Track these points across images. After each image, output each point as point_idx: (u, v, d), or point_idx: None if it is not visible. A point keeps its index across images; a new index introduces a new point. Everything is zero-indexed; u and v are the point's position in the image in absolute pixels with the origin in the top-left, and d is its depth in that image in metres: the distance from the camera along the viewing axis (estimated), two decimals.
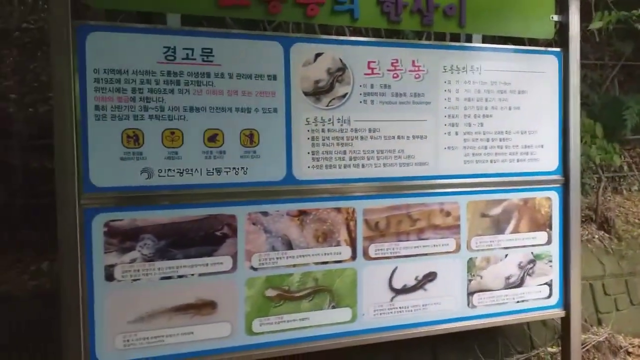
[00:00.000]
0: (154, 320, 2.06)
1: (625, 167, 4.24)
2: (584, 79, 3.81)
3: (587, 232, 3.45)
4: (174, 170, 2.06)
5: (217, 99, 2.10)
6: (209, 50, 2.09)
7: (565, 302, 2.69)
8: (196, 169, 2.08)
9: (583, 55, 4.09)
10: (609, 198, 3.91)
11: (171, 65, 2.04)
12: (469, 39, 2.58)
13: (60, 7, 1.88)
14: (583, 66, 3.95)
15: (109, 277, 2.00)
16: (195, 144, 2.08)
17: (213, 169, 2.11)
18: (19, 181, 2.93)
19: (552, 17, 2.62)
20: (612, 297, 3.30)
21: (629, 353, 3.09)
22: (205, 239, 2.11)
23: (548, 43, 2.75)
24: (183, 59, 2.06)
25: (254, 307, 2.19)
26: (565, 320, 2.71)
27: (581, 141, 3.47)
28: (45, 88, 3.26)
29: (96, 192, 1.97)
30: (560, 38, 2.67)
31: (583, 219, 3.56)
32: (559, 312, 2.70)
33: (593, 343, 2.94)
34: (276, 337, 2.23)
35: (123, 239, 2.01)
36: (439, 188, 2.45)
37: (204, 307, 2.13)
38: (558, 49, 2.65)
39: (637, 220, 3.64)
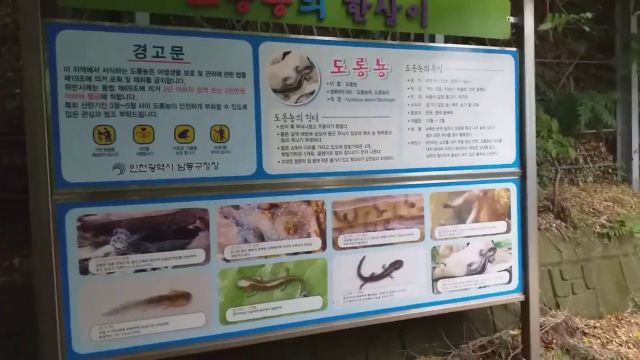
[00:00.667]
0: (129, 312, 2.11)
1: (581, 160, 4.47)
2: (541, 76, 4.01)
3: (545, 221, 3.64)
4: (145, 166, 2.11)
5: (187, 96, 2.16)
6: (178, 49, 2.15)
7: (525, 287, 2.86)
8: (167, 164, 2.14)
9: (541, 54, 4.33)
10: (565, 189, 4.12)
11: (142, 63, 2.09)
12: (432, 39, 2.71)
13: (30, 4, 1.91)
14: (541, 64, 4.17)
15: (84, 270, 2.04)
16: (166, 140, 2.13)
17: (184, 164, 2.17)
18: None
19: (508, 19, 2.77)
20: (568, 282, 3.50)
21: (584, 334, 3.28)
22: (178, 232, 2.17)
23: (507, 42, 2.89)
24: (153, 57, 2.11)
25: (227, 297, 2.26)
26: (525, 304, 2.88)
27: (538, 135, 3.69)
28: (12, 84, 3.24)
29: (68, 188, 2.01)
30: (516, 38, 2.82)
31: (541, 209, 3.76)
32: (519, 297, 2.87)
33: (551, 325, 3.11)
34: (250, 326, 2.31)
35: (97, 233, 2.06)
36: (404, 181, 2.57)
37: (178, 299, 2.19)
38: (514, 49, 2.81)
39: (591, 210, 3.85)
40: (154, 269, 2.14)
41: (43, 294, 1.97)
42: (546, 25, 2.60)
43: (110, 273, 2.08)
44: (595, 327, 3.34)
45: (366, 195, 2.50)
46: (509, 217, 2.82)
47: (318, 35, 2.70)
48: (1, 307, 2.40)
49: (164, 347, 2.17)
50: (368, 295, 2.53)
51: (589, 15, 2.56)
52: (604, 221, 3.73)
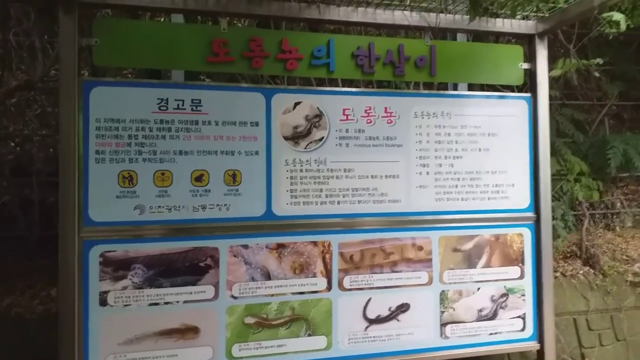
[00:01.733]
0: (141, 343, 2.28)
1: (619, 204, 4.31)
2: (571, 119, 3.96)
3: (571, 268, 3.52)
4: (163, 207, 2.30)
5: (204, 144, 2.36)
6: (197, 101, 2.36)
7: (540, 335, 2.79)
8: (183, 206, 2.33)
9: (572, 96, 4.28)
10: (599, 234, 3.98)
11: (164, 115, 2.32)
12: (443, 85, 2.78)
13: (69, 65, 2.19)
14: (570, 107, 4.12)
15: (103, 302, 2.23)
16: (183, 184, 2.33)
17: (199, 206, 2.35)
18: (37, 214, 3.22)
19: (521, 65, 2.82)
20: (596, 332, 3.35)
21: None
22: (190, 269, 2.33)
23: (520, 87, 2.93)
24: (174, 108, 2.33)
25: (234, 333, 2.38)
26: (540, 353, 2.80)
27: (563, 179, 3.63)
28: None
29: (94, 226, 2.23)
30: (530, 84, 2.86)
31: (568, 255, 3.65)
32: (534, 345, 2.79)
33: None
34: None
35: (116, 268, 2.25)
36: (411, 224, 2.62)
37: (188, 332, 2.33)
38: (528, 94, 2.84)
39: (624, 257, 3.69)
40: (166, 303, 2.31)
41: (65, 322, 2.17)
42: (555, 72, 2.62)
43: (126, 305, 2.26)
44: None
45: (372, 237, 2.57)
46: (523, 263, 2.79)
47: (330, 85, 2.84)
48: (38, 333, 2.62)
49: None
50: (373, 337, 2.56)
51: (599, 60, 2.56)
52: (638, 269, 3.56)
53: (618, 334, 3.39)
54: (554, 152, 3.92)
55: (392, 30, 3.06)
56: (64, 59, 2.19)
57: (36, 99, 3.41)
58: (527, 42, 2.87)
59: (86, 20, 2.26)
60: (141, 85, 2.32)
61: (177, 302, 2.32)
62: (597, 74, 2.59)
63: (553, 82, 4.22)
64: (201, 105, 2.37)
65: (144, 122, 2.29)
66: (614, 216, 4.30)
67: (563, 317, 3.34)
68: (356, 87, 3.08)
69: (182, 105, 2.34)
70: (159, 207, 2.30)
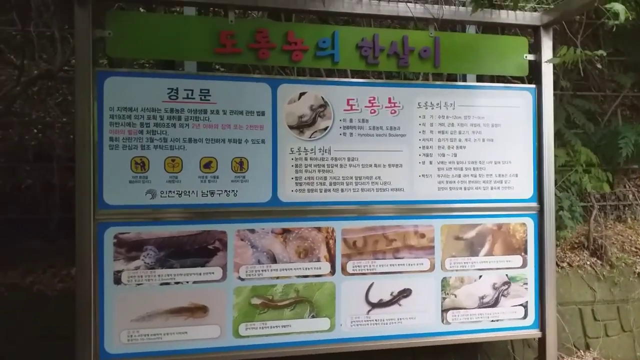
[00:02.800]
0: (153, 320, 2.40)
1: (631, 196, 4.28)
2: (582, 109, 3.93)
3: (579, 259, 3.53)
4: (174, 192, 2.42)
5: (212, 132, 2.46)
6: (206, 91, 2.46)
7: (542, 324, 2.83)
8: (193, 191, 2.44)
9: (585, 87, 4.25)
10: (609, 226, 3.97)
11: (174, 104, 2.42)
12: (452, 77, 2.81)
13: (84, 56, 2.31)
14: (582, 97, 4.10)
15: (117, 281, 2.36)
16: (193, 170, 2.44)
17: (207, 191, 2.45)
18: (57, 198, 3.38)
19: (526, 57, 2.84)
20: (601, 323, 3.36)
21: None
22: (199, 251, 2.45)
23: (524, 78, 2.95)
24: (184, 98, 2.43)
25: (240, 312, 2.49)
26: (542, 341, 2.84)
27: (574, 170, 3.63)
28: None
29: (108, 209, 2.35)
30: (534, 75, 2.87)
31: (576, 246, 3.66)
32: (535, 333, 2.84)
33: None
34: (260, 341, 2.51)
35: (129, 249, 2.38)
36: (414, 212, 2.69)
37: (197, 311, 2.45)
38: (532, 86, 2.86)
39: (633, 249, 3.68)
40: (176, 283, 2.43)
41: (82, 299, 2.31)
42: (553, 60, 2.63)
43: (139, 284, 2.39)
44: None
45: (375, 225, 2.65)
46: (525, 252, 2.83)
47: (336, 75, 2.90)
48: (58, 309, 2.78)
49: (182, 354, 2.43)
50: (376, 320, 2.64)
51: (602, 52, 2.56)
52: None
53: (624, 325, 3.40)
54: (563, 143, 3.93)
55: (398, 22, 3.10)
56: (79, 50, 2.31)
57: (57, 87, 3.56)
58: (532, 33, 2.88)
59: (100, 13, 2.35)
60: (152, 76, 2.43)
61: (187, 282, 2.44)
62: (599, 66, 2.58)
63: (564, 72, 4.22)
64: (210, 95, 2.46)
65: (155, 110, 2.40)
66: (626, 208, 4.27)
67: (568, 307, 3.36)
68: (365, 78, 3.14)
69: (192, 95, 2.44)
70: (170, 192, 2.41)
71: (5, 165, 3.39)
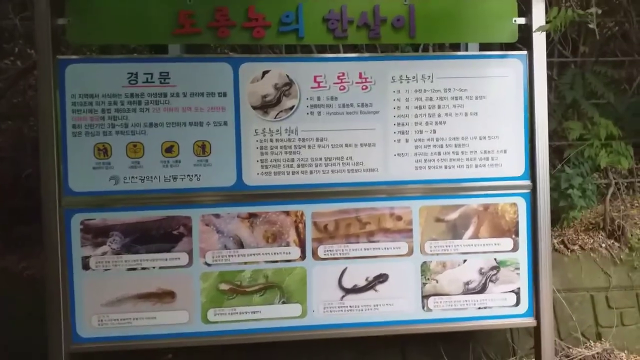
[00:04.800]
0: (122, 305, 2.43)
1: None
2: (599, 75, 3.57)
3: (592, 241, 3.23)
4: (136, 178, 2.41)
5: (173, 115, 2.42)
6: (166, 74, 2.42)
7: (536, 311, 2.61)
8: (155, 176, 2.42)
9: (604, 53, 3.86)
10: (636, 205, 3.60)
11: (134, 88, 2.40)
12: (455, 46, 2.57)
13: (44, 45, 2.33)
14: (604, 64, 3.72)
15: (85, 266, 2.40)
16: (155, 155, 2.41)
17: (170, 176, 2.43)
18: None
19: (515, 20, 2.58)
20: (616, 311, 3.07)
21: None
22: (164, 236, 2.43)
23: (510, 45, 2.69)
24: (144, 82, 2.41)
25: (208, 298, 2.46)
26: (537, 330, 2.63)
27: (589, 142, 3.31)
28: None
29: (74, 196, 2.38)
30: (525, 41, 2.61)
31: (591, 227, 3.35)
32: (529, 322, 2.62)
33: (581, 357, 2.78)
34: (230, 327, 2.48)
35: (95, 234, 2.40)
36: (389, 193, 2.54)
37: (165, 296, 2.45)
38: (523, 52, 2.60)
39: None
40: (143, 268, 2.43)
41: (52, 285, 2.36)
42: (543, 28, 2.36)
43: (106, 270, 2.41)
44: None
45: (347, 207, 2.53)
46: (517, 235, 2.61)
47: (328, 52, 2.76)
48: (32, 294, 2.83)
49: (152, 339, 2.44)
50: (350, 307, 2.54)
51: (597, 10, 2.26)
52: None
53: None
54: (580, 115, 3.60)
55: None
56: (39, 39, 2.33)
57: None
58: None
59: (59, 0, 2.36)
60: (112, 62, 2.42)
61: (154, 267, 2.43)
62: (591, 26, 2.29)
63: (585, 36, 3.84)
64: (169, 78, 2.42)
65: (115, 96, 2.39)
66: None
67: (578, 294, 3.10)
68: (357, 52, 2.98)
69: (151, 78, 2.41)
70: (133, 177, 2.41)
71: (8, 156, 3.54)
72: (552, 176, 3.32)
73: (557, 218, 3.30)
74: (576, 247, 3.21)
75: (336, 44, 2.62)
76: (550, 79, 3.99)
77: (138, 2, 2.43)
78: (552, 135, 3.87)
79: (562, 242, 3.24)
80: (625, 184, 3.79)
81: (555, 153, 3.77)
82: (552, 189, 3.21)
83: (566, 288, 3.07)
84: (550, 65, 4.04)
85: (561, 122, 3.61)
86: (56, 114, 2.35)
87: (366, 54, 2.66)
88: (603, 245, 3.22)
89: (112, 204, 2.41)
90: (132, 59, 2.44)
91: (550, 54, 4.01)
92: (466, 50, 2.64)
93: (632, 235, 3.24)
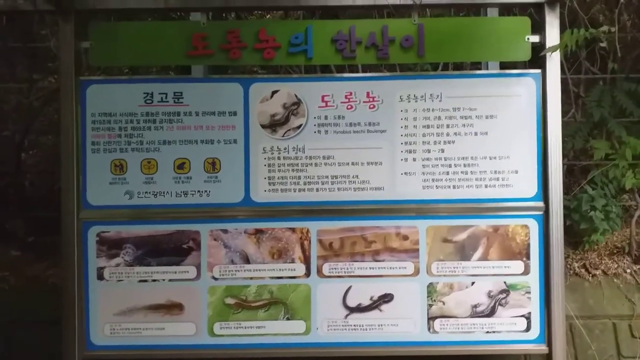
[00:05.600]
0: (133, 315, 2.52)
1: None
2: (628, 93, 3.42)
3: (616, 265, 3.09)
4: (149, 193, 2.52)
5: (185, 133, 2.52)
6: (179, 94, 2.52)
7: (548, 338, 2.52)
8: (167, 192, 2.52)
9: (636, 70, 3.71)
10: None
11: (149, 107, 2.52)
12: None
13: (68, 67, 2.48)
14: (633, 80, 3.57)
15: (100, 276, 2.52)
16: (167, 171, 2.52)
17: (181, 192, 2.52)
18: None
19: (528, 38, 2.54)
20: None
21: None
22: (174, 250, 2.52)
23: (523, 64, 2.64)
24: (159, 101, 2.52)
25: (215, 311, 2.52)
26: (549, 358, 2.53)
27: (614, 162, 3.18)
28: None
29: (91, 209, 2.51)
30: (538, 59, 2.56)
31: (615, 251, 3.20)
32: (541, 348, 2.54)
33: None
34: (235, 341, 2.53)
35: (110, 246, 2.52)
36: (395, 212, 2.53)
37: (173, 308, 2.53)
38: (536, 71, 2.55)
39: None
40: (154, 280, 2.52)
41: (68, 293, 2.49)
42: (552, 49, 2.30)
43: (120, 280, 2.52)
44: None
45: (353, 225, 2.54)
46: (528, 258, 2.53)
47: (310, 72, 2.80)
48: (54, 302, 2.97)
49: (161, 349, 2.52)
50: (354, 325, 2.53)
51: (610, 29, 2.19)
52: None
53: None
54: (608, 134, 3.46)
55: (380, 12, 2.92)
56: (63, 61, 2.49)
57: None
58: (534, 12, 2.57)
59: (82, 24, 2.51)
60: (130, 82, 2.56)
61: (164, 280, 2.52)
62: (602, 44, 2.22)
63: (614, 53, 3.70)
64: (182, 98, 2.52)
65: (132, 115, 2.52)
66: None
67: (599, 321, 2.96)
68: (366, 72, 3.02)
69: (166, 98, 2.52)
70: (146, 192, 2.52)
71: (43, 169, 3.76)
72: (574, 197, 3.22)
73: (580, 241, 3.18)
74: (598, 272, 3.08)
75: (344, 64, 2.64)
76: (577, 96, 3.89)
77: (155, 26, 2.57)
78: (579, 154, 3.77)
79: (584, 265, 3.12)
80: None
81: (582, 173, 3.65)
82: (573, 211, 3.13)
83: (586, 315, 2.95)
84: (577, 83, 3.93)
85: (588, 140, 3.49)
86: (77, 132, 2.50)
87: (374, 74, 2.68)
88: (628, 270, 3.07)
89: (127, 218, 2.52)
90: (148, 79, 2.56)
91: (577, 70, 3.90)
92: (487, 69, 2.61)
93: None
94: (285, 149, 2.53)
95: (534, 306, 2.53)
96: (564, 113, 3.78)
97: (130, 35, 2.53)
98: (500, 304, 2.54)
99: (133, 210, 2.52)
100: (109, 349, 2.52)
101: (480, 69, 2.67)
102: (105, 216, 2.51)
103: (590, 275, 3.05)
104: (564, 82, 3.77)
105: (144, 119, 2.52)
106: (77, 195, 2.49)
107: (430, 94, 2.54)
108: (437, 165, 2.54)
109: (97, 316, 2.52)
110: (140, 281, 2.52)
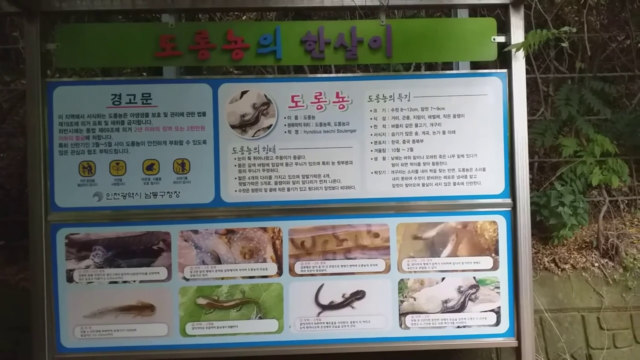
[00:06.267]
0: (104, 317, 2.51)
1: None
2: (595, 92, 3.50)
3: (584, 259, 3.16)
4: (118, 194, 2.50)
5: (154, 134, 2.51)
6: (147, 95, 2.51)
7: (517, 331, 2.57)
8: (136, 193, 2.50)
9: (609, 68, 3.80)
10: (635, 223, 3.50)
11: (117, 109, 2.50)
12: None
13: (34, 68, 2.46)
14: (601, 79, 3.66)
15: (69, 279, 2.49)
16: (136, 173, 2.50)
17: (150, 193, 2.51)
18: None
19: (494, 39, 2.59)
20: (609, 333, 2.98)
21: None
22: (144, 251, 2.51)
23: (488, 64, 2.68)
24: (127, 103, 2.51)
25: (187, 312, 2.52)
26: (518, 351, 2.58)
27: (581, 159, 3.25)
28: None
29: (59, 211, 2.49)
30: (504, 59, 2.61)
31: (584, 246, 3.28)
32: (510, 342, 2.59)
33: None
34: (207, 341, 2.53)
35: (79, 249, 2.50)
36: (366, 210, 2.56)
37: (145, 309, 2.52)
38: (502, 70, 2.60)
39: None
40: (124, 282, 2.51)
41: (37, 296, 2.46)
42: (515, 46, 2.35)
43: (89, 282, 2.50)
44: None
45: (324, 224, 2.55)
46: (497, 253, 2.58)
47: (283, 73, 2.82)
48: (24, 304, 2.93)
49: (132, 351, 2.51)
50: (327, 323, 2.55)
51: (571, 29, 2.24)
52: None
53: (638, 335, 2.99)
54: (576, 132, 3.53)
55: (351, 13, 2.95)
56: (29, 63, 2.46)
57: None
58: (501, 14, 2.62)
59: (48, 27, 2.49)
60: (97, 83, 2.53)
61: (134, 281, 2.51)
62: (564, 45, 2.27)
63: (586, 51, 3.78)
64: (151, 99, 2.51)
65: (99, 116, 2.50)
66: None
67: (568, 314, 3.03)
68: (340, 72, 3.05)
69: (134, 99, 2.51)
70: (115, 194, 2.50)
71: (13, 172, 3.71)
72: (544, 194, 3.28)
73: (549, 236, 3.24)
74: (567, 266, 3.14)
75: (314, 65, 2.65)
76: (546, 95, 3.97)
77: (122, 28, 2.56)
78: (549, 152, 3.85)
79: (553, 260, 3.18)
80: (626, 202, 3.69)
81: (553, 170, 3.73)
82: (543, 207, 3.19)
83: (556, 308, 3.01)
84: (546, 82, 4.02)
85: (557, 138, 3.56)
86: (44, 134, 2.47)
87: (342, 74, 2.70)
88: (596, 264, 3.14)
89: (95, 219, 2.50)
90: (116, 81, 2.54)
91: (546, 70, 3.99)
92: (458, 69, 2.65)
93: (626, 254, 3.15)
94: (255, 149, 2.54)
95: (503, 301, 2.58)
96: (535, 112, 3.90)
97: (97, 37, 2.51)
98: (470, 299, 2.58)
99: (102, 211, 2.50)
100: (79, 352, 2.50)
101: (452, 69, 2.71)
102: (74, 218, 2.49)
103: (560, 269, 3.12)
104: (534, 82, 3.89)
105: (112, 120, 2.50)
106: (44, 197, 2.47)
107: (399, 94, 2.57)
108: (407, 163, 2.57)
109: (67, 319, 2.50)
110: (111, 283, 2.51)
